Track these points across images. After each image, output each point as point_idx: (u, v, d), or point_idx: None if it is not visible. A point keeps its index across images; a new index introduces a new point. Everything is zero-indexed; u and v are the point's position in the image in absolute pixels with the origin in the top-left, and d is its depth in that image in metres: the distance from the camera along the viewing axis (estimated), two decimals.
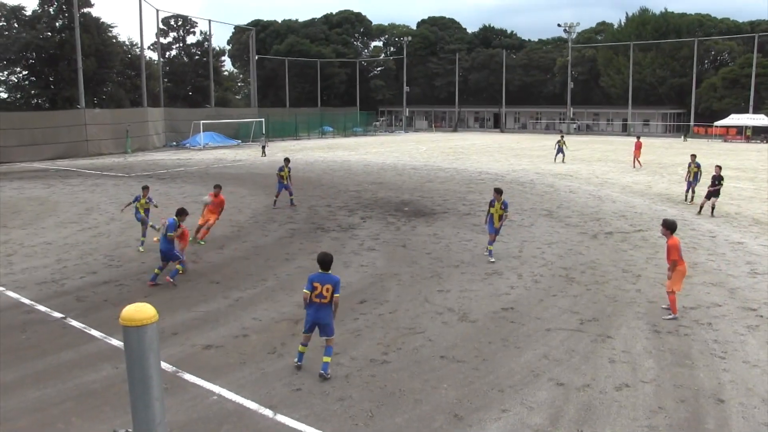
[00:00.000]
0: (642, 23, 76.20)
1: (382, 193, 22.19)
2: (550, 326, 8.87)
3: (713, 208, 17.88)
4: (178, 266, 10.94)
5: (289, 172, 19.31)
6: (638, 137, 35.08)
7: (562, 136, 36.08)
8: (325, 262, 7.09)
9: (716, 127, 61.24)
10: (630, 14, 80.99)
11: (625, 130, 71.93)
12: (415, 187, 24.00)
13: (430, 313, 9.47)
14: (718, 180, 17.95)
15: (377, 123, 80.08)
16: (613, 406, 6.53)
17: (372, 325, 8.90)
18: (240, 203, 20.00)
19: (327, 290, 6.95)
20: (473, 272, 11.74)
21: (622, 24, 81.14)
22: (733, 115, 61.62)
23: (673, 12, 77.16)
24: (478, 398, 6.70)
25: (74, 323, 8.99)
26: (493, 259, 12.50)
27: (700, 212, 18.07)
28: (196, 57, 68.92)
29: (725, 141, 57.82)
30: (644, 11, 78.65)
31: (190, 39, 70.44)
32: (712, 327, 8.83)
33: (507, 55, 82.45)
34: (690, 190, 20.50)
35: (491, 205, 12.66)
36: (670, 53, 72.72)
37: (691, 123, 67.99)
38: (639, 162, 31.67)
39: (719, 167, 18.48)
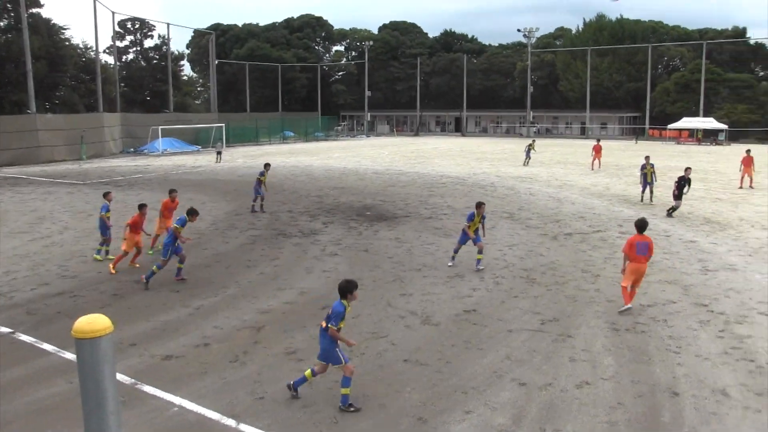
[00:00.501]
0: (599, 29, 78.36)
1: (344, 198, 22.14)
2: (512, 327, 8.98)
3: (674, 210, 18.05)
4: (154, 266, 11.07)
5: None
6: (598, 140, 36.61)
7: (533, 141, 37.59)
8: (339, 289, 6.65)
9: (670, 130, 63.38)
10: (587, 20, 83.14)
11: (583, 134, 73.73)
12: (377, 191, 24.03)
13: (393, 317, 9.48)
14: (686, 182, 18.09)
15: (339, 128, 79.98)
16: (574, 403, 6.65)
17: None
18: (200, 210, 19.52)
19: (326, 315, 6.65)
20: (435, 276, 11.80)
21: (580, 30, 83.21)
22: (685, 119, 63.93)
23: (628, 18, 79.60)
24: (442, 401, 6.73)
25: (24, 337, 8.65)
26: (450, 263, 12.50)
27: (671, 214, 18.07)
28: (154, 61, 67.69)
29: (678, 143, 59.86)
30: (601, 17, 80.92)
31: (148, 43, 69.25)
32: (667, 323, 9.10)
33: (468, 59, 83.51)
34: (647, 191, 20.99)
35: (470, 219, 12.09)
36: (626, 58, 75.02)
37: (647, 126, 70.18)
38: (599, 163, 32.50)
39: (689, 169, 18.69)
